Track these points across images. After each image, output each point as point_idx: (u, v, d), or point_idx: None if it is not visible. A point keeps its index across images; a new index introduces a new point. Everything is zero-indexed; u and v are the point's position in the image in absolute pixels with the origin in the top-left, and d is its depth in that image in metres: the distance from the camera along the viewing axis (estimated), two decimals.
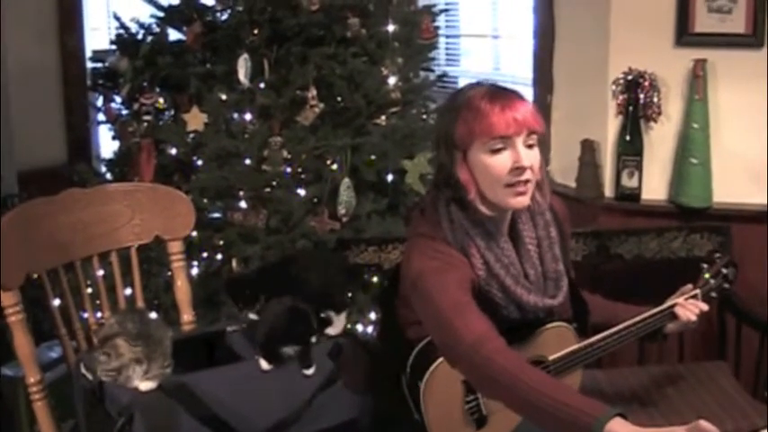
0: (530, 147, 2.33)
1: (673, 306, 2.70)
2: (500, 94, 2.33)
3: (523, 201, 2.35)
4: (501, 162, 2.30)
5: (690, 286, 2.76)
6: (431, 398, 2.48)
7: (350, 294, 2.71)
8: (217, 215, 3.41)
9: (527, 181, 2.33)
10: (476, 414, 2.52)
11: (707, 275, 2.80)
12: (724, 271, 2.81)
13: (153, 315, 2.31)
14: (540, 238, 2.50)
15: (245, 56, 3.37)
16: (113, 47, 3.82)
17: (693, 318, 2.68)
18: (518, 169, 2.30)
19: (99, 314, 2.79)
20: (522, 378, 2.15)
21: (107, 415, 2.13)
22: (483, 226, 2.40)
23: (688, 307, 2.69)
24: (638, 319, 2.67)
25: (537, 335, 2.52)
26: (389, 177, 3.50)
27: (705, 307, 2.70)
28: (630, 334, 2.64)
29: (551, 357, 2.53)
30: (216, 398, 2.12)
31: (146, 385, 2.10)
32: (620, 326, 2.64)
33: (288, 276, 2.47)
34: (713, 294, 2.79)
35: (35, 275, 2.55)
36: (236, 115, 3.43)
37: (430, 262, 2.34)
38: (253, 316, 2.41)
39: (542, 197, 2.50)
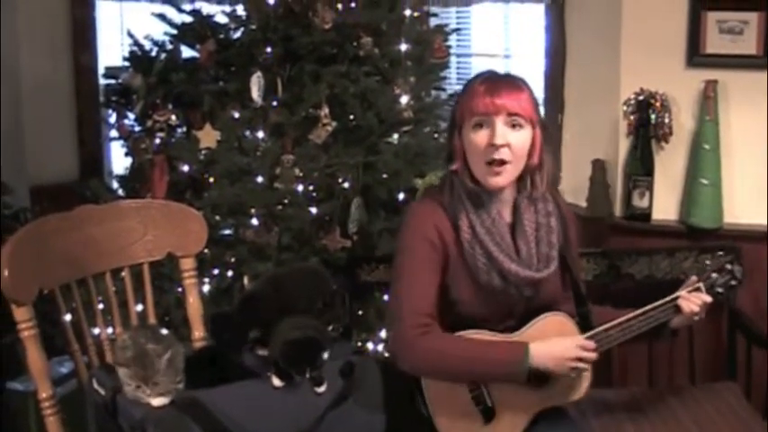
0: (513, 127, 2.51)
1: (676, 298, 2.72)
2: (493, 80, 2.58)
3: (499, 180, 2.55)
4: (479, 137, 2.53)
5: (694, 278, 2.78)
6: (435, 390, 2.58)
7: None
8: (228, 232, 3.41)
9: (503, 161, 2.52)
10: (481, 405, 2.57)
11: (711, 269, 2.80)
12: (729, 267, 2.80)
13: (164, 331, 2.29)
14: (539, 224, 2.64)
15: (259, 74, 3.38)
16: (126, 63, 3.82)
17: (696, 309, 2.70)
18: (492, 146, 2.50)
19: (110, 330, 2.79)
20: (448, 351, 2.51)
21: (120, 430, 2.13)
22: (479, 198, 2.59)
23: (691, 299, 2.71)
24: (641, 311, 2.70)
25: (537, 321, 2.63)
26: (401, 196, 3.50)
27: (708, 298, 2.72)
28: (635, 326, 2.68)
29: None
30: (228, 414, 2.12)
31: (158, 401, 2.10)
32: (624, 317, 2.68)
33: (275, 306, 2.48)
34: (719, 290, 2.78)
35: (46, 291, 2.55)
36: (248, 133, 3.44)
37: (416, 228, 2.61)
38: (262, 352, 2.41)
39: (540, 182, 2.64)
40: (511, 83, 2.56)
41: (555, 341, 2.56)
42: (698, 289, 2.74)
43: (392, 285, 2.63)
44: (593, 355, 2.59)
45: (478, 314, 2.61)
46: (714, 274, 2.78)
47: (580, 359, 2.56)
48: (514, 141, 2.51)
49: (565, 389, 2.66)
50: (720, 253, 3.11)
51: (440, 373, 2.55)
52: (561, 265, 2.71)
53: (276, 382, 2.29)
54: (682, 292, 2.73)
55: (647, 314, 2.69)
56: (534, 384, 2.59)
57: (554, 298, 2.69)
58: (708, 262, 2.86)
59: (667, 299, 2.72)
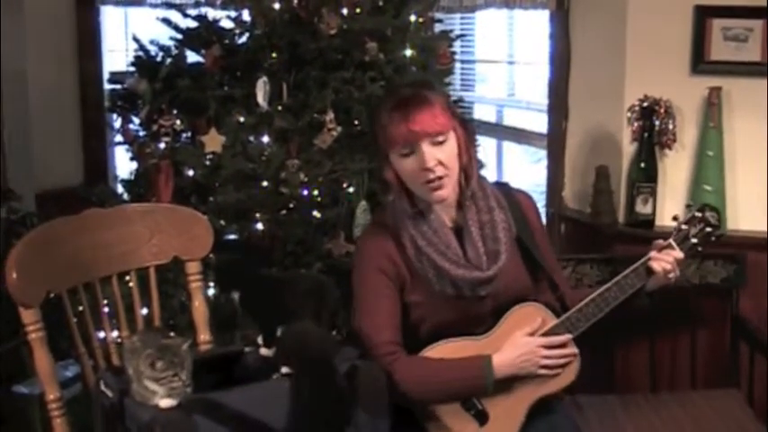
0: (438, 144, 2.53)
1: (647, 260, 2.70)
2: (401, 106, 2.55)
3: (441, 194, 2.58)
4: (410, 165, 2.56)
5: (661, 241, 2.74)
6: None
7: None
8: (233, 237, 3.42)
9: (440, 177, 2.54)
10: (472, 410, 2.59)
11: (680, 223, 2.75)
12: (698, 215, 2.74)
13: (171, 334, 2.30)
14: (482, 222, 2.66)
15: (264, 79, 3.38)
16: (131, 68, 3.83)
17: (669, 266, 2.68)
18: (425, 170, 2.53)
19: (115, 333, 2.80)
20: (411, 381, 2.54)
21: None
22: (420, 213, 2.64)
23: (661, 257, 2.70)
24: (613, 281, 2.69)
25: (507, 316, 2.65)
26: None
27: (679, 254, 2.70)
28: (610, 298, 2.67)
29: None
30: (236, 415, 2.12)
31: (166, 402, 2.10)
32: (597, 292, 2.68)
33: (276, 296, 2.50)
34: (694, 241, 2.73)
35: (53, 294, 2.56)
36: (253, 138, 3.45)
37: (366, 260, 2.67)
38: (265, 351, 2.43)
39: (476, 180, 2.67)
40: (420, 101, 2.55)
41: (518, 346, 2.59)
42: (669, 246, 2.71)
43: (354, 321, 2.67)
44: (560, 352, 2.61)
45: (446, 323, 2.63)
46: (684, 226, 2.73)
47: (544, 357, 2.59)
48: (444, 156, 2.54)
49: (553, 375, 2.66)
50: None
51: (410, 400, 2.58)
52: (523, 255, 2.72)
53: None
54: (651, 254, 2.71)
55: (619, 283, 2.68)
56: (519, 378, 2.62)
57: (520, 290, 2.69)
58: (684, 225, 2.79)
59: (638, 263, 2.70)
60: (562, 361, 2.62)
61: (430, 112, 2.52)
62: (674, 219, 2.78)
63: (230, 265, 2.58)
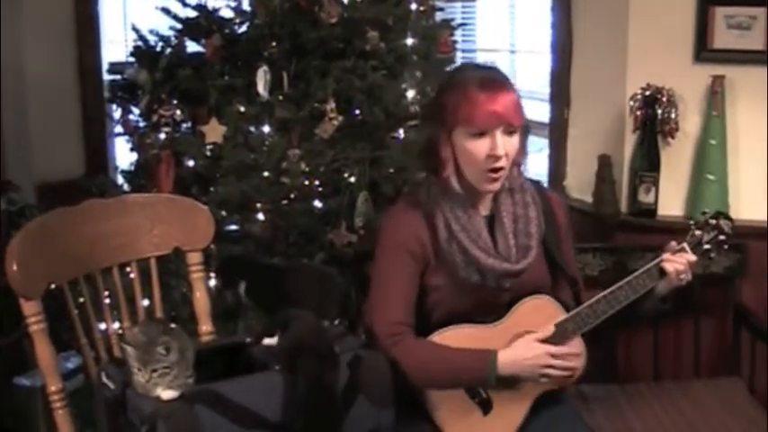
0: (510, 134, 2.52)
1: (659, 262, 2.69)
2: (490, 84, 2.50)
3: (495, 186, 2.57)
4: (479, 148, 2.50)
5: (674, 243, 2.73)
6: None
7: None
8: (235, 227, 3.41)
9: (502, 168, 2.53)
10: (477, 398, 2.58)
11: (694, 227, 2.75)
12: (713, 222, 2.74)
13: (173, 325, 2.29)
14: (516, 215, 2.65)
15: (265, 68, 3.37)
16: (131, 59, 3.81)
17: (681, 267, 2.66)
18: (493, 157, 2.50)
19: (116, 325, 2.79)
20: (414, 364, 2.53)
21: (129, 424, 2.13)
22: (455, 197, 2.60)
23: (674, 259, 2.68)
24: (625, 280, 2.68)
25: (519, 306, 2.63)
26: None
27: (692, 257, 2.69)
28: (621, 296, 2.66)
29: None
30: (238, 406, 2.11)
31: (168, 394, 2.10)
32: (611, 288, 2.67)
33: (270, 279, 2.51)
34: (707, 247, 2.73)
35: (54, 285, 2.55)
36: (254, 128, 3.43)
37: (393, 236, 2.65)
38: (269, 340, 2.42)
39: (518, 173, 2.67)
40: (507, 86, 2.53)
41: (527, 349, 2.57)
42: (682, 250, 2.71)
43: (369, 293, 2.68)
44: (564, 363, 2.59)
45: (462, 310, 2.63)
46: (698, 232, 2.73)
47: (550, 366, 2.57)
48: (510, 148, 2.53)
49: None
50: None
51: (411, 380, 2.56)
52: (546, 254, 2.72)
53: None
54: (665, 255, 2.70)
55: (630, 283, 2.67)
56: None
57: (541, 287, 2.69)
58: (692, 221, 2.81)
59: (651, 264, 2.69)
60: (565, 373, 2.61)
61: (514, 100, 2.51)
62: (690, 224, 2.78)
63: (232, 258, 2.57)
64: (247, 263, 2.58)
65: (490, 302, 2.63)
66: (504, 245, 2.62)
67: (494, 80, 2.52)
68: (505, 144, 2.50)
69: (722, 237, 2.74)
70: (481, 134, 2.49)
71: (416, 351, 2.57)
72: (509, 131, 2.51)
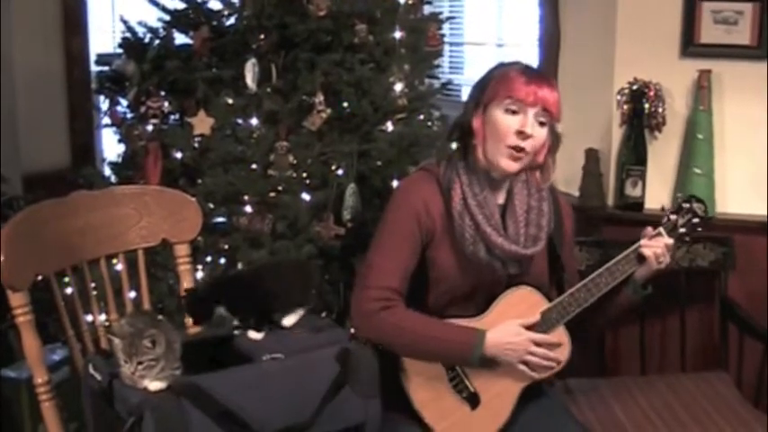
0: (541, 124, 2.56)
1: (637, 247, 2.71)
2: (532, 72, 2.62)
3: (513, 166, 2.59)
4: (510, 122, 2.55)
5: (650, 229, 2.76)
6: (414, 383, 2.63)
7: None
8: (222, 220, 3.41)
9: (523, 149, 2.56)
10: (464, 392, 2.59)
11: (668, 212, 2.78)
12: (686, 206, 2.77)
13: (160, 317, 2.29)
14: (529, 206, 2.68)
15: (253, 61, 3.37)
16: (118, 50, 3.80)
17: (659, 251, 2.69)
18: (521, 134, 2.55)
19: (103, 316, 2.79)
20: (405, 327, 2.56)
21: (116, 415, 2.13)
22: (475, 173, 2.65)
23: (651, 244, 2.71)
24: (605, 266, 2.71)
25: (503, 297, 2.65)
26: (395, 184, 3.49)
27: (669, 241, 2.71)
28: (601, 283, 2.68)
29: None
30: (226, 398, 2.11)
31: (155, 385, 2.10)
32: (591, 276, 2.69)
33: (244, 286, 2.52)
34: (683, 230, 2.76)
35: (41, 277, 2.55)
36: (242, 120, 3.43)
37: (403, 202, 2.67)
38: (255, 335, 2.43)
39: (542, 178, 2.71)
40: (551, 80, 2.62)
41: (510, 333, 2.59)
42: (658, 234, 2.73)
43: (368, 253, 2.68)
44: (545, 352, 2.61)
45: (460, 290, 2.64)
46: (673, 216, 2.76)
47: (531, 353, 2.59)
48: (537, 135, 2.57)
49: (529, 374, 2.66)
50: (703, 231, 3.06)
51: (393, 346, 2.58)
52: (550, 254, 2.74)
53: (254, 335, 2.43)
54: (642, 241, 2.72)
55: (610, 269, 2.69)
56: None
57: (539, 282, 2.70)
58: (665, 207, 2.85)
59: (628, 250, 2.71)
60: (545, 363, 2.62)
61: (554, 92, 2.58)
62: (662, 210, 2.82)
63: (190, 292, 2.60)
64: (215, 284, 2.59)
65: (488, 289, 2.64)
66: (515, 231, 2.64)
67: (539, 72, 2.66)
68: (534, 129, 2.55)
69: (696, 219, 2.77)
70: (514, 112, 2.55)
71: (406, 318, 2.58)
72: (540, 120, 2.56)
